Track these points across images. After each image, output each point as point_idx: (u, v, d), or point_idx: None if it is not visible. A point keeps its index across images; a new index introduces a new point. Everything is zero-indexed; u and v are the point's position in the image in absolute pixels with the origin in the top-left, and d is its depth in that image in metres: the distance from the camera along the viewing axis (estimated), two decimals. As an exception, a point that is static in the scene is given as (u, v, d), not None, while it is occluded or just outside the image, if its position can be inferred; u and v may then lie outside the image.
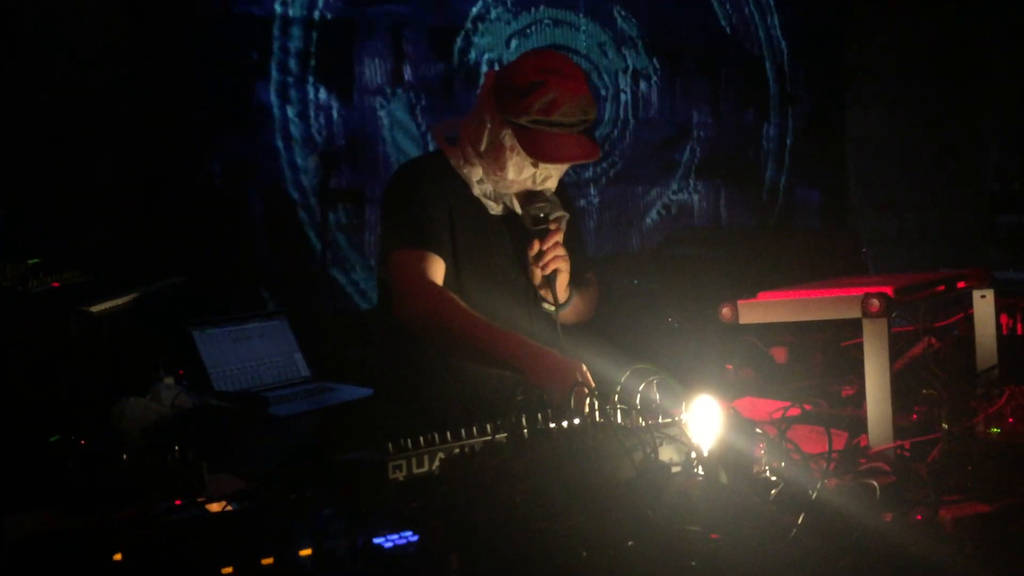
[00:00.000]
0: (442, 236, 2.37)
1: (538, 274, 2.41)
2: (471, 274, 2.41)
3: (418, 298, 2.29)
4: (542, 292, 2.45)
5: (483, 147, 2.38)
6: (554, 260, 2.38)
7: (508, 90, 2.33)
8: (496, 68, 3.91)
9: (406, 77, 5.10)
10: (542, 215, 2.40)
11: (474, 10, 5.35)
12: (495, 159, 2.37)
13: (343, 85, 4.93)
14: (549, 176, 2.40)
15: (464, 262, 2.41)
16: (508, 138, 2.33)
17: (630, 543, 1.28)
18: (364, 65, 4.99)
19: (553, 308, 2.42)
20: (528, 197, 2.42)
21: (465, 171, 2.43)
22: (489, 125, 2.36)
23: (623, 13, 5.89)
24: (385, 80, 5.04)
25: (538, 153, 2.31)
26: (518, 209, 2.44)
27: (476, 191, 2.45)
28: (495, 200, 2.46)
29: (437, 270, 2.34)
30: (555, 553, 1.27)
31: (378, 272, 2.55)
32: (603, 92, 5.82)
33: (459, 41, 5.29)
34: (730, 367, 2.61)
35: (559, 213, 2.43)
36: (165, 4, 4.43)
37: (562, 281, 2.42)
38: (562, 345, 2.31)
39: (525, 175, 2.38)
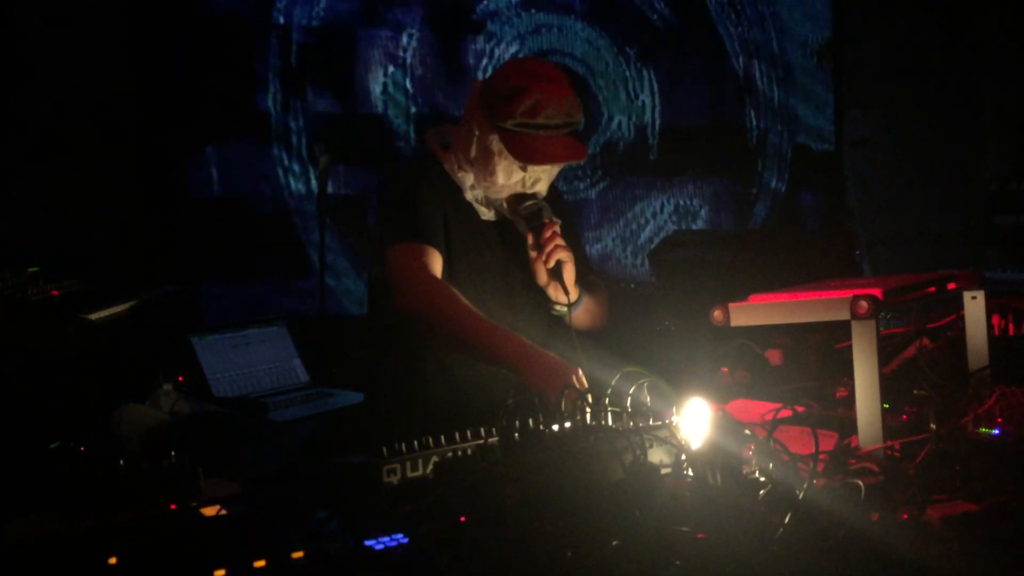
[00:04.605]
0: (439, 232, 2.41)
1: (543, 272, 2.41)
2: (463, 276, 2.43)
3: (420, 291, 2.33)
4: (552, 293, 2.45)
5: (473, 154, 2.42)
6: (555, 250, 2.39)
7: (493, 97, 2.38)
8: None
9: (406, 86, 5.12)
10: (534, 211, 2.42)
11: (476, 18, 5.36)
12: (484, 165, 2.41)
13: (343, 93, 4.95)
14: (538, 179, 2.44)
15: (456, 264, 2.43)
16: (496, 143, 2.37)
17: (615, 543, 1.30)
18: (364, 73, 5.01)
19: (565, 308, 2.43)
20: (518, 199, 2.45)
21: (459, 175, 2.47)
22: (477, 132, 2.40)
23: (620, 18, 5.91)
24: (385, 88, 5.06)
25: (525, 155, 2.36)
26: (509, 214, 2.47)
27: (468, 196, 2.48)
28: (487, 206, 2.50)
29: (436, 263, 2.38)
30: (541, 554, 1.29)
31: (370, 273, 2.57)
32: (600, 97, 5.84)
33: (461, 49, 5.30)
34: (725, 369, 2.61)
35: (552, 215, 2.44)
36: (164, 11, 4.46)
37: (569, 274, 2.42)
38: (559, 349, 2.29)
39: (515, 179, 2.41)
